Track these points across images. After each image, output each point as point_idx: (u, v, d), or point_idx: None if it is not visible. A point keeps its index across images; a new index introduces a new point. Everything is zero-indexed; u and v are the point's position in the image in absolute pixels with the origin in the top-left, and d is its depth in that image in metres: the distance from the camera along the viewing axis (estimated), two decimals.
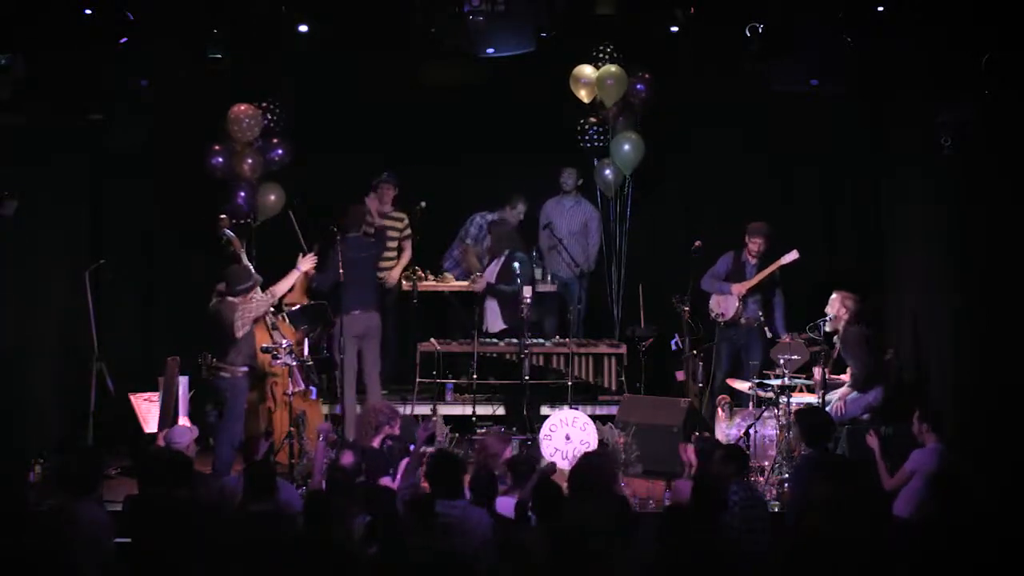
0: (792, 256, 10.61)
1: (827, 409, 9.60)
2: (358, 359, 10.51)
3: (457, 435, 10.35)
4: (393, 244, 11.37)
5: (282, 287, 9.77)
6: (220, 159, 10.98)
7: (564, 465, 9.49)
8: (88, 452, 9.54)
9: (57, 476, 7.54)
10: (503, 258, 10.94)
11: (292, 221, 10.84)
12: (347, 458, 7.83)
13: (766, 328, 10.38)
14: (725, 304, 10.78)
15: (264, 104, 11.11)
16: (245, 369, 9.47)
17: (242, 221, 10.86)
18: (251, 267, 9.81)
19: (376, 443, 8.58)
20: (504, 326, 10.93)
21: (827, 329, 9.98)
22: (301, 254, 10.12)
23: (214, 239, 10.35)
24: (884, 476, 8.25)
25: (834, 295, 10.12)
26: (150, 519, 6.94)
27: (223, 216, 10.43)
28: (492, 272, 10.99)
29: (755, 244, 10.77)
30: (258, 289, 9.56)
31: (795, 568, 6.30)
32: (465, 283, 11.66)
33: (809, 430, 8.25)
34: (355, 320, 10.34)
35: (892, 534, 7.69)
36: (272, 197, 11.16)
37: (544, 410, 10.77)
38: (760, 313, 10.64)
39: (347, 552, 6.39)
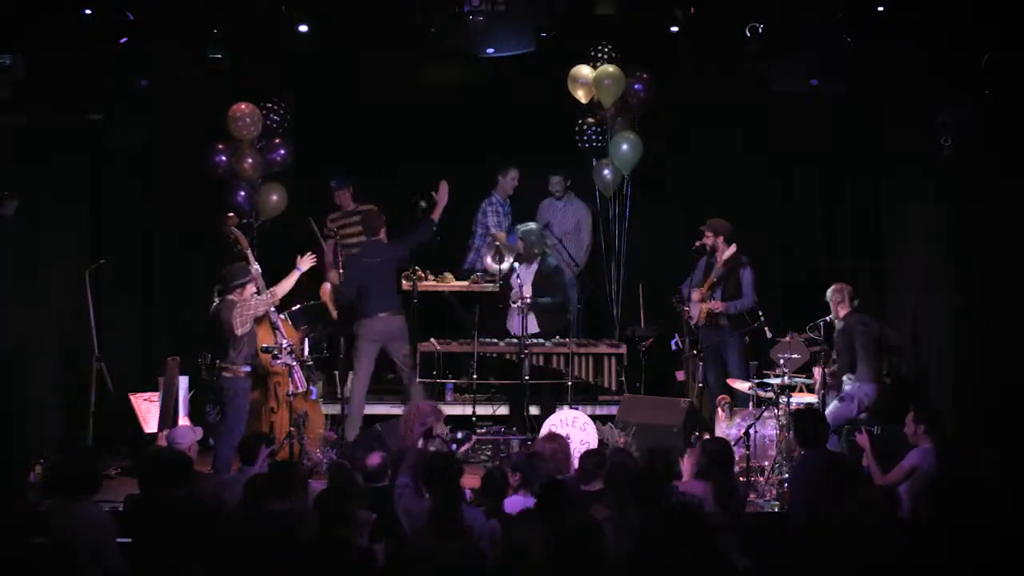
0: (729, 251, 10.49)
1: (827, 411, 9.61)
2: (391, 362, 10.51)
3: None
4: None
5: (283, 288, 9.75)
6: (223, 157, 10.98)
7: None
8: (85, 452, 9.56)
9: (47, 478, 7.55)
10: (536, 264, 10.90)
11: (313, 227, 10.82)
12: (374, 460, 7.78)
13: (766, 328, 10.32)
14: (693, 308, 10.70)
15: (269, 105, 11.12)
16: (247, 369, 9.47)
17: (244, 221, 10.86)
18: (257, 266, 9.80)
19: (419, 443, 8.55)
20: (537, 331, 10.86)
21: (839, 327, 9.96)
22: (299, 255, 10.11)
23: (219, 238, 10.33)
24: (876, 473, 8.23)
25: None
26: (150, 519, 6.94)
27: (231, 215, 10.42)
28: (527, 279, 10.82)
29: (704, 240, 10.60)
30: (255, 284, 9.56)
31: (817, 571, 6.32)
32: (465, 283, 11.65)
33: (807, 430, 8.18)
34: (380, 323, 10.32)
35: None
36: (274, 197, 11.16)
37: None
38: (758, 313, 10.57)
39: (351, 551, 6.39)
